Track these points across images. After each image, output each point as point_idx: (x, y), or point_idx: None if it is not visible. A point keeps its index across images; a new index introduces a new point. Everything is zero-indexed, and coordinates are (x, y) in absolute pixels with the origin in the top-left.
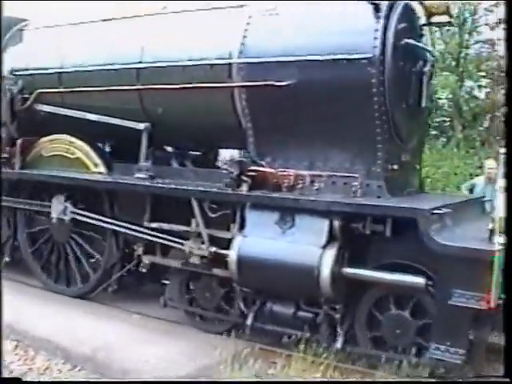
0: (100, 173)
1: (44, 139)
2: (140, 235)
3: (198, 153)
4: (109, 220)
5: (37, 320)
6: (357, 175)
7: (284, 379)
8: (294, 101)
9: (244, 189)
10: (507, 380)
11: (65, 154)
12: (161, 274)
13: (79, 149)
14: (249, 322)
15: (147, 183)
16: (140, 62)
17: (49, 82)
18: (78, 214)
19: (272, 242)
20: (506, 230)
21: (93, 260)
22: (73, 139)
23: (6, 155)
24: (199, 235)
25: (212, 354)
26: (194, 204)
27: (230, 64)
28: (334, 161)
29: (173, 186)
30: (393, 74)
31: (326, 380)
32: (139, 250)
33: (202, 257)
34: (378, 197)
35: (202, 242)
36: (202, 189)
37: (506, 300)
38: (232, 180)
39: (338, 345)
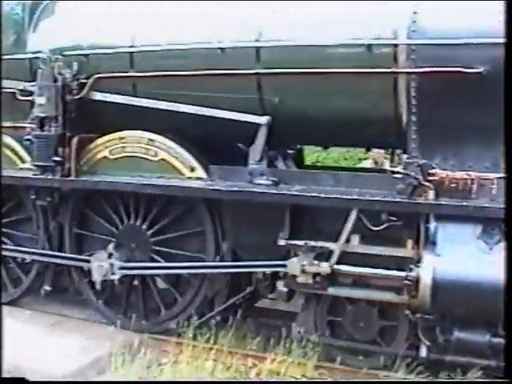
0: (199, 178)
1: (108, 137)
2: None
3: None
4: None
5: None
6: None
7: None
8: (482, 90)
9: (430, 196)
10: (507, 380)
11: (143, 156)
12: None
13: (165, 149)
14: (424, 353)
15: (294, 192)
16: (257, 41)
17: (113, 64)
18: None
19: (477, 260)
20: (506, 231)
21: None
22: (154, 136)
23: (57, 158)
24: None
25: (104, 345)
26: (353, 216)
27: (395, 45)
28: None
29: (333, 196)
30: None
31: (325, 380)
32: (260, 274)
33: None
34: None
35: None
36: (380, 198)
37: (506, 300)
38: (410, 186)
39: None
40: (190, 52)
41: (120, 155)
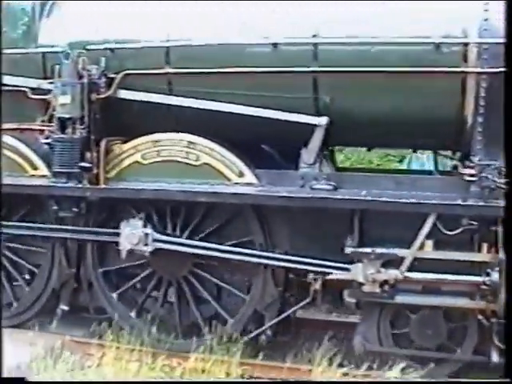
0: (249, 184)
1: (139, 140)
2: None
3: None
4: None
5: None
6: None
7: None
8: None
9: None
10: (507, 380)
11: (182, 160)
12: None
13: (208, 152)
14: (495, 358)
15: (367, 197)
16: (315, 36)
17: (145, 60)
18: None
19: None
20: (505, 233)
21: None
22: (195, 138)
23: (85, 164)
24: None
25: (27, 351)
26: (430, 221)
27: (465, 44)
28: None
29: (412, 201)
30: None
31: (321, 380)
32: (317, 284)
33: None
34: None
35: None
36: (462, 202)
37: (505, 300)
38: (487, 189)
39: None
40: (236, 48)
41: (154, 160)
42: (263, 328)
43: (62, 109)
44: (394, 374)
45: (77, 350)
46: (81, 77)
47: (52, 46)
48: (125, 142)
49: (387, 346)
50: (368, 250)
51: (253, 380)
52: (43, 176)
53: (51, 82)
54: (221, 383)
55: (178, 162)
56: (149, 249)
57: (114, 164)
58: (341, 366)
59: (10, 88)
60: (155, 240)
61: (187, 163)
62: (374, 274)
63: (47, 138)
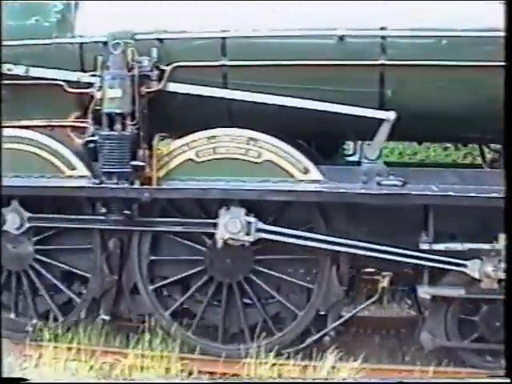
0: (315, 181)
1: (193, 137)
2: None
3: None
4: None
5: None
6: None
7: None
8: None
9: None
10: (507, 381)
11: (242, 157)
12: None
13: (270, 149)
14: None
15: (448, 192)
16: (383, 29)
17: (198, 51)
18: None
19: None
20: (506, 232)
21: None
22: (255, 134)
23: (138, 163)
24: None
25: None
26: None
27: None
28: None
29: (494, 195)
30: None
31: (326, 381)
32: (385, 281)
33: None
34: None
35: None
36: None
37: (506, 300)
38: None
39: None
40: (298, 40)
41: (210, 157)
42: (327, 329)
43: (110, 103)
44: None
45: (14, 350)
46: (130, 69)
47: (90, 36)
48: (175, 138)
49: (455, 340)
50: (486, 246)
51: (253, 380)
52: (82, 177)
53: (95, 75)
54: (221, 383)
55: (237, 159)
56: (250, 239)
57: (164, 162)
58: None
59: (38, 82)
60: (259, 230)
61: (247, 160)
62: (496, 270)
63: (93, 136)
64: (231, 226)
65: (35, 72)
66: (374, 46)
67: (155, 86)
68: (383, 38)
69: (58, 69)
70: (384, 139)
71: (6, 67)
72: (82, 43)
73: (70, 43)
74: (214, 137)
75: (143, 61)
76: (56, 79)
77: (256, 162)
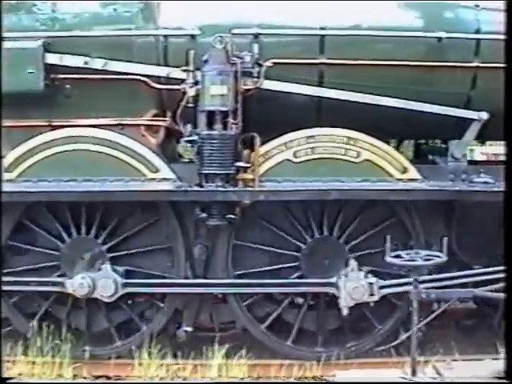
0: (412, 180)
1: (290, 136)
2: None
3: None
4: None
5: None
6: None
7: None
8: None
9: None
10: (508, 381)
11: (341, 157)
12: None
13: (369, 148)
14: None
15: None
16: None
17: (295, 48)
18: None
19: None
20: (505, 232)
21: None
22: (354, 134)
23: (244, 164)
24: None
25: None
26: None
27: None
28: None
29: None
30: None
31: (321, 381)
32: None
33: None
34: None
35: None
36: None
37: (506, 300)
38: None
39: None
40: (397, 39)
41: (309, 157)
42: (411, 330)
43: (212, 101)
44: None
45: None
46: (232, 64)
47: (178, 28)
48: (272, 138)
49: None
50: None
51: (254, 380)
52: (166, 179)
53: (187, 70)
54: (220, 383)
55: (336, 159)
56: (375, 298)
57: (258, 163)
58: None
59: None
60: (382, 287)
61: (347, 160)
62: None
63: (190, 135)
64: (355, 292)
65: (116, 66)
66: (469, 48)
67: (254, 83)
68: (478, 41)
69: (139, 63)
70: (472, 139)
71: (82, 60)
72: (166, 35)
73: (154, 35)
74: (312, 136)
75: (245, 56)
76: (139, 74)
77: (355, 162)
